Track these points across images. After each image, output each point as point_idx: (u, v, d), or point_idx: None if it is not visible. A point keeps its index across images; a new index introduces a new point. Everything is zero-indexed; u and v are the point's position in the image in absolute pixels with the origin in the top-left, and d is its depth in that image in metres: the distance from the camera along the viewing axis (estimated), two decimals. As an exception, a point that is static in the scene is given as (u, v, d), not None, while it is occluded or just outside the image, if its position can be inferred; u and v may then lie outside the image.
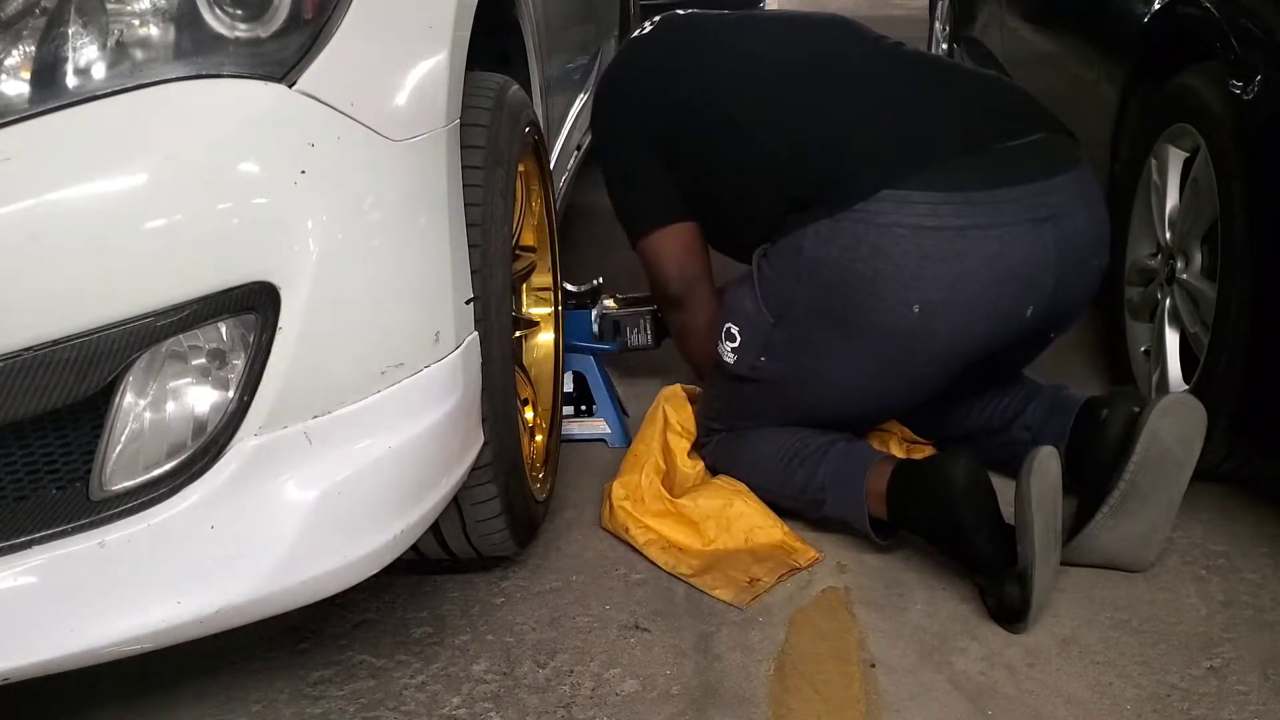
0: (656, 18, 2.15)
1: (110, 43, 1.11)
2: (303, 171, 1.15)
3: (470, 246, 1.44)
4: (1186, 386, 1.98)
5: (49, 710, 1.51)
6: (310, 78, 1.17)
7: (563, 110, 2.72)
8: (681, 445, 1.97)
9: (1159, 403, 1.67)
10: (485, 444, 1.50)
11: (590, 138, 3.10)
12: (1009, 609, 1.61)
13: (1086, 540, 1.70)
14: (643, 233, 2.04)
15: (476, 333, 1.44)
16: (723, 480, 1.91)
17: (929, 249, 1.64)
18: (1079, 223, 1.73)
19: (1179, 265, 2.05)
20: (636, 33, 2.17)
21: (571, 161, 2.82)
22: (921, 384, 1.78)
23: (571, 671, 1.55)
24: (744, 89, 1.91)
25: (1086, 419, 1.81)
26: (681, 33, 2.09)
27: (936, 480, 1.65)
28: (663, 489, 1.86)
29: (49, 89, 1.09)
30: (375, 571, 1.30)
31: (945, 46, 4.68)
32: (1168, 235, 2.11)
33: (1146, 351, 2.21)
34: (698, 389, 2.08)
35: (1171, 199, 2.11)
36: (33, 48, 1.09)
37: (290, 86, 1.16)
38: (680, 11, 2.15)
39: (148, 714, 1.50)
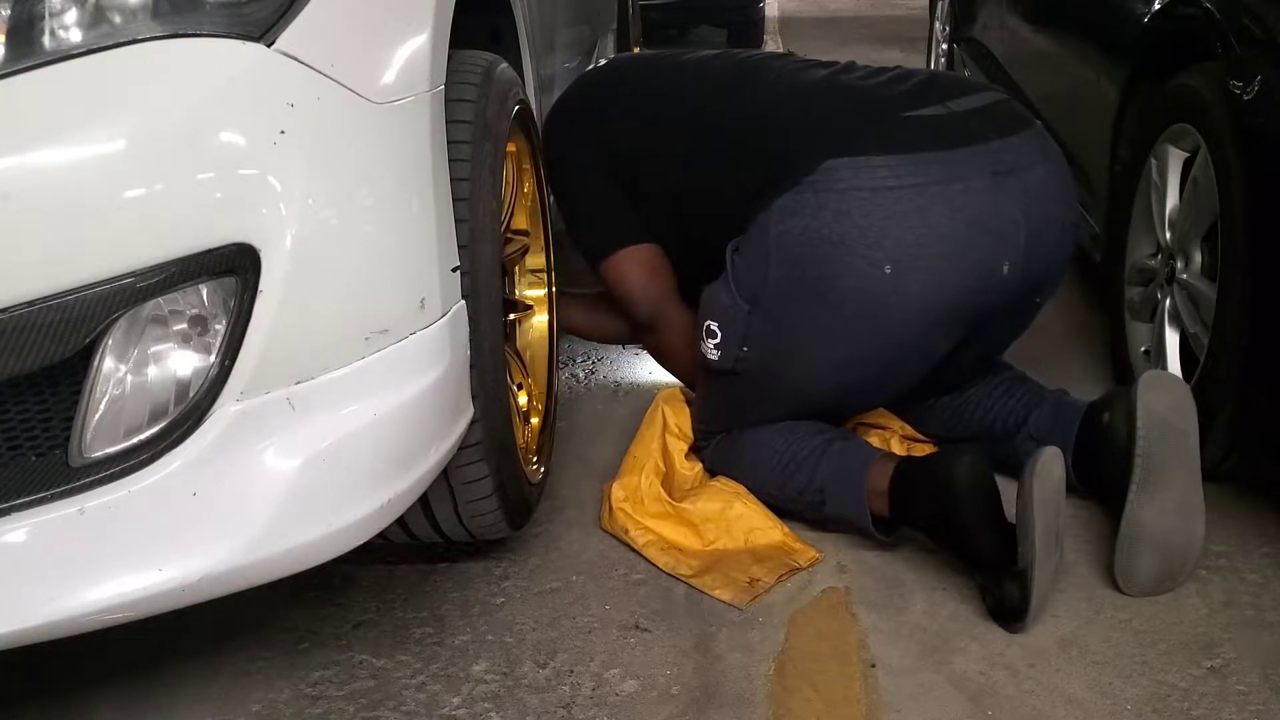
0: (612, 56, 2.26)
1: (88, 1, 1.11)
2: (281, 132, 1.15)
3: (458, 221, 1.44)
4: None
5: (49, 711, 1.51)
6: (289, 38, 1.17)
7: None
8: (680, 447, 1.97)
9: (1141, 381, 1.70)
10: (475, 422, 1.50)
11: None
12: (1008, 608, 1.61)
13: (1131, 525, 1.67)
14: (604, 255, 2.04)
15: (464, 301, 1.44)
16: (722, 482, 1.91)
17: (891, 208, 1.65)
18: (1041, 175, 1.76)
19: (1179, 265, 2.05)
20: (589, 69, 2.26)
21: None
22: (908, 352, 1.77)
23: (571, 671, 1.55)
24: (695, 95, 1.96)
25: (1090, 426, 1.81)
26: (633, 66, 2.18)
27: (940, 477, 1.65)
28: (662, 490, 1.86)
29: (24, 47, 1.09)
30: (362, 541, 1.29)
31: (945, 46, 4.69)
32: (1168, 235, 2.11)
33: (1146, 351, 2.20)
34: (697, 390, 2.09)
35: (1171, 199, 2.11)
36: (7, 9, 1.09)
37: (269, 46, 1.16)
38: (635, 51, 2.24)
39: (148, 715, 1.50)
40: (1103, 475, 1.78)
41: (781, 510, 1.85)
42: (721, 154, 1.85)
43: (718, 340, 1.81)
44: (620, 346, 2.60)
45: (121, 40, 1.11)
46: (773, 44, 7.30)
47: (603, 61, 2.23)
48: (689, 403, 2.04)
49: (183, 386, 1.15)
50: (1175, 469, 1.67)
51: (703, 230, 1.89)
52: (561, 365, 2.49)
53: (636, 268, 2.02)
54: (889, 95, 1.80)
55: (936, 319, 1.72)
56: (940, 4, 4.94)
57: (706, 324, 1.83)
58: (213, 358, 1.15)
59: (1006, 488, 1.67)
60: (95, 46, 1.10)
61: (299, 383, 1.19)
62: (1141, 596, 1.68)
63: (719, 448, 1.94)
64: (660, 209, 1.98)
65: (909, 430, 2.04)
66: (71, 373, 1.11)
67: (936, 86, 1.84)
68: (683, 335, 2.04)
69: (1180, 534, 1.69)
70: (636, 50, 2.27)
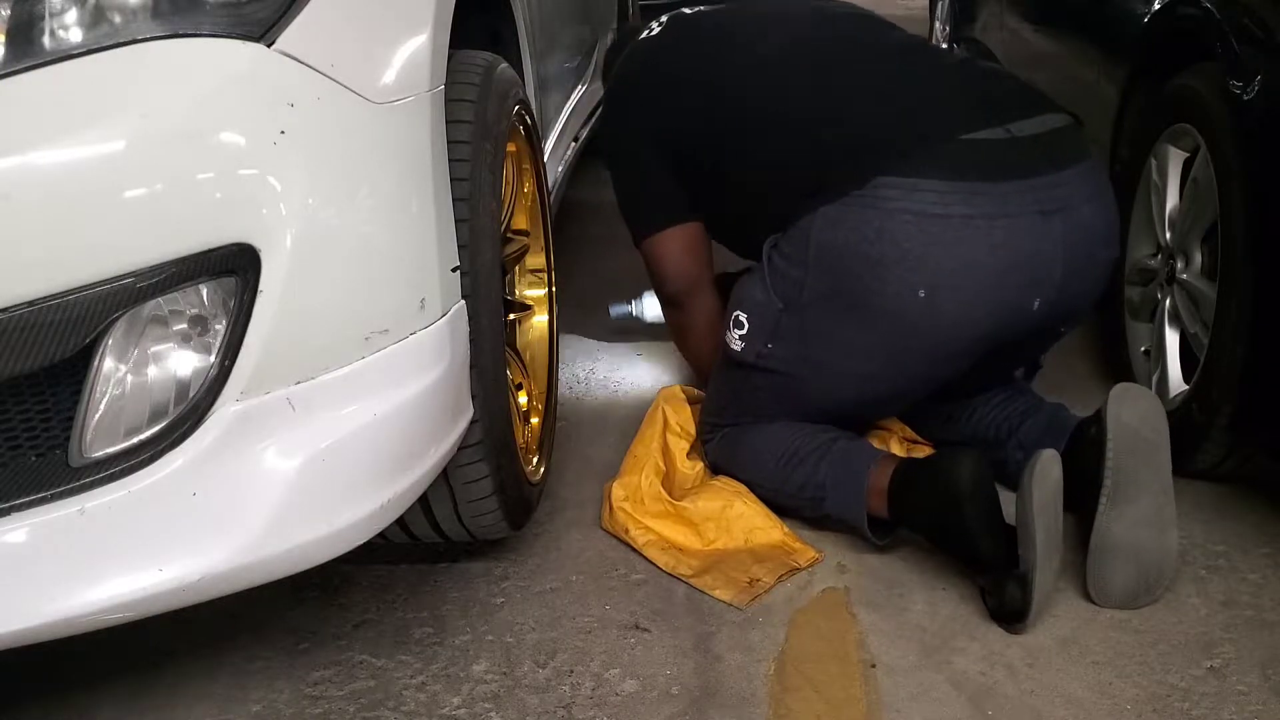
0: (664, 18, 2.16)
1: (88, 1, 1.11)
2: (282, 132, 1.15)
3: (458, 221, 1.44)
4: (1186, 386, 1.98)
5: (49, 710, 1.51)
6: (289, 38, 1.17)
7: (558, 97, 2.72)
8: (681, 446, 1.97)
9: (1111, 394, 1.69)
10: (475, 422, 1.50)
11: (588, 130, 3.11)
12: (1010, 610, 1.61)
13: (1101, 537, 1.66)
14: (646, 233, 2.06)
15: (464, 301, 1.44)
16: (722, 481, 1.91)
17: (935, 235, 1.64)
18: (1087, 215, 1.74)
19: (1179, 265, 2.05)
20: (645, 34, 2.17)
21: (569, 152, 2.82)
22: (930, 371, 1.77)
23: (571, 671, 1.55)
24: (753, 86, 1.92)
25: (1078, 440, 1.80)
26: (691, 33, 2.09)
27: (941, 478, 1.65)
28: (662, 490, 1.86)
29: (24, 48, 1.09)
30: (362, 541, 1.29)
31: (945, 46, 4.69)
32: (1168, 235, 2.11)
33: (1146, 351, 2.21)
34: (697, 390, 2.09)
35: (1171, 199, 2.11)
36: (7, 9, 1.09)
37: (269, 46, 1.16)
38: (686, 11, 2.15)
39: (148, 715, 1.50)
40: (1081, 489, 1.74)
41: (781, 507, 1.85)
42: (774, 151, 1.83)
43: (744, 331, 1.81)
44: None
45: (121, 40, 1.11)
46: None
47: (656, 27, 2.15)
48: (691, 402, 2.04)
49: (183, 386, 1.15)
50: (1148, 484, 1.66)
51: (744, 221, 1.90)
52: (561, 365, 2.49)
53: (675, 246, 2.05)
54: (952, 108, 1.76)
55: (963, 344, 1.72)
56: (940, 4, 4.94)
57: (735, 314, 1.83)
58: (213, 358, 1.15)
59: (1001, 494, 1.67)
60: (95, 46, 1.10)
61: (299, 383, 1.19)
62: (1117, 610, 1.66)
63: (723, 441, 1.93)
64: (706, 194, 1.99)
65: (909, 433, 2.04)
66: (72, 373, 1.11)
67: (1003, 102, 1.79)
68: (705, 319, 2.08)
69: (1153, 546, 1.66)
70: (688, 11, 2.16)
